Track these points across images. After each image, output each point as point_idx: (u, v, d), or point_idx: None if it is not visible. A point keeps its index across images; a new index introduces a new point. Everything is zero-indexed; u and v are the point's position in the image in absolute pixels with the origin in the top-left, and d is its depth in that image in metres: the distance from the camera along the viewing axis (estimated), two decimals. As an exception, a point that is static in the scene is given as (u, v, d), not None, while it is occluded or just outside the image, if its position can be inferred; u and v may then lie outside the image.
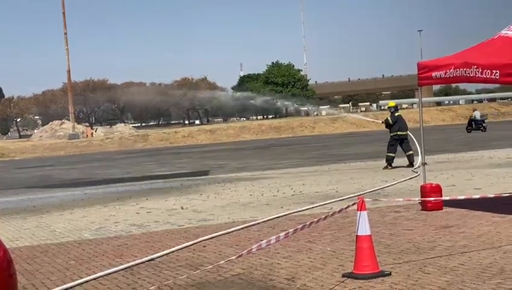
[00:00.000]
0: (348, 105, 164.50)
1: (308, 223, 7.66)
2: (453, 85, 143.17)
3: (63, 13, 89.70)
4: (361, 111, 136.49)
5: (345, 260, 8.67)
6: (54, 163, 48.25)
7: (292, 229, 7.51)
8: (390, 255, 8.77)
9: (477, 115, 50.40)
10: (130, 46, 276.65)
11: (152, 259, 9.63)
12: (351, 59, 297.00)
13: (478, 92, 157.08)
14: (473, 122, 48.91)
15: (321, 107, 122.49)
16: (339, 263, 8.52)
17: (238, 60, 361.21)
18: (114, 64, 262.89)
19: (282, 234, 7.40)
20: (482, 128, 48.44)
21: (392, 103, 24.93)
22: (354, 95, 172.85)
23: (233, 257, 7.67)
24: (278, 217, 12.87)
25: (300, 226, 7.60)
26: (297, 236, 10.48)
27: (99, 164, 42.51)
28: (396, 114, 23.23)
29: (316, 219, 7.78)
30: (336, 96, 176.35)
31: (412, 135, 22.98)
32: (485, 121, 49.79)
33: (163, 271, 8.83)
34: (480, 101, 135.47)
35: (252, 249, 7.24)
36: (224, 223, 12.73)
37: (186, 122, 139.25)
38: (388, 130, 23.37)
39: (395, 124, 23.00)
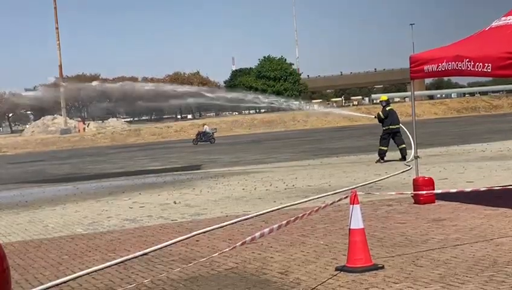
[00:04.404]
0: (340, 99, 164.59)
1: (293, 218, 7.65)
2: (445, 78, 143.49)
3: (55, 8, 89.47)
4: (353, 105, 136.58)
5: (338, 253, 8.68)
6: (46, 158, 48.14)
7: (276, 225, 7.51)
8: (383, 249, 8.78)
9: (207, 128, 56.26)
10: (122, 41, 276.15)
11: (145, 253, 9.63)
12: (343, 53, 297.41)
13: (470, 85, 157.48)
14: (202, 135, 54.71)
15: (313, 101, 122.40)
16: (332, 257, 8.54)
17: (230, 54, 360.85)
18: (106, 59, 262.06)
19: (266, 230, 7.41)
20: (211, 139, 54.13)
21: (383, 97, 24.97)
22: (346, 89, 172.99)
23: (227, 249, 7.67)
24: (271, 211, 12.88)
25: (285, 221, 7.59)
26: (290, 230, 10.50)
27: (91, 159, 42.44)
28: (387, 108, 23.27)
29: (301, 214, 7.78)
30: (328, 90, 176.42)
31: (405, 128, 23.02)
32: (214, 133, 55.83)
33: (157, 265, 8.83)
34: (472, 94, 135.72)
35: (245, 241, 7.24)
36: (217, 217, 12.73)
37: (179, 116, 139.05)
38: (381, 124, 23.42)
39: (387, 118, 23.06)
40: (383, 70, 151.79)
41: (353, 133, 52.12)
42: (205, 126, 57.70)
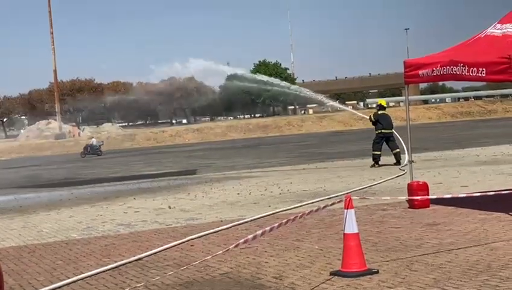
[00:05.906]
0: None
1: (285, 220, 7.65)
2: (440, 83, 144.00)
3: (49, 12, 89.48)
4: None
5: (332, 258, 8.68)
6: (41, 163, 48.04)
7: (269, 227, 7.51)
8: (378, 253, 8.79)
9: (94, 141, 57.73)
10: (116, 46, 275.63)
11: (140, 259, 9.61)
12: (338, 58, 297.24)
13: (464, 90, 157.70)
14: (90, 148, 55.84)
15: (308, 105, 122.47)
16: (327, 261, 8.54)
17: (225, 58, 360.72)
18: (100, 64, 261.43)
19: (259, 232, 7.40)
20: (98, 152, 55.14)
21: (380, 101, 24.99)
22: (341, 94, 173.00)
23: (220, 252, 7.65)
24: (266, 215, 12.87)
25: (277, 224, 7.59)
26: (285, 234, 10.50)
27: (86, 164, 42.38)
28: (379, 112, 23.28)
29: (293, 216, 7.78)
30: (323, 95, 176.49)
31: (397, 134, 23.05)
32: (101, 146, 57.20)
33: (151, 271, 8.81)
34: (466, 98, 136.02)
35: (238, 243, 7.24)
36: (212, 222, 12.71)
37: (173, 121, 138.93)
38: (374, 127, 23.43)
39: (378, 122, 23.03)
40: (377, 75, 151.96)
41: (348, 137, 52.17)
42: (92, 139, 59.28)
